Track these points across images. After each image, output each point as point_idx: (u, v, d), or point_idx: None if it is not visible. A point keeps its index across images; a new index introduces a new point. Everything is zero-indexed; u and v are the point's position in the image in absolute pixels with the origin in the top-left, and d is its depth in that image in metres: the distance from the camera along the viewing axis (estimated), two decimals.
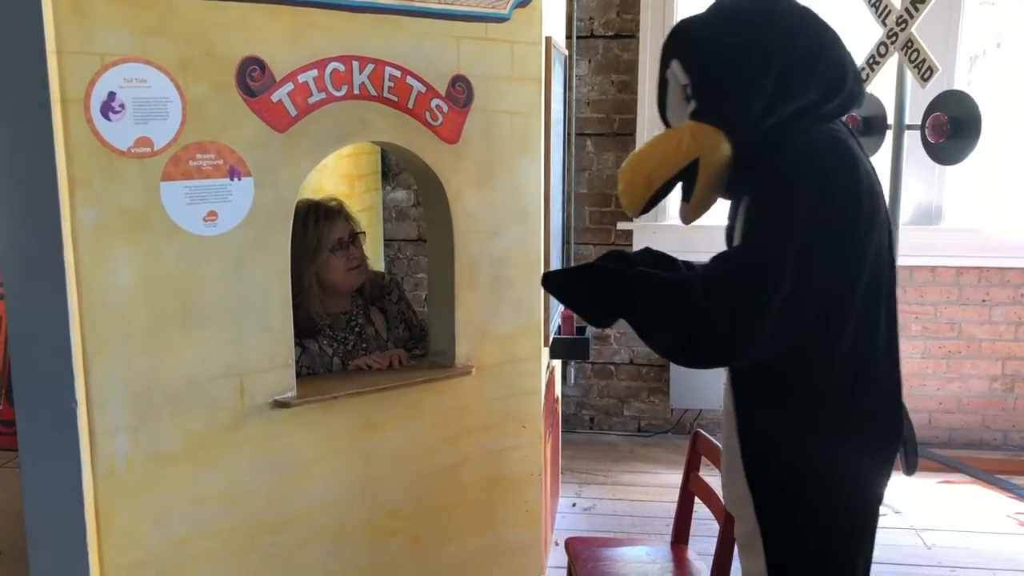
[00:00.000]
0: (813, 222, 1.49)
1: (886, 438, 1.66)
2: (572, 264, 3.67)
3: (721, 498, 1.86)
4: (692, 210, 1.67)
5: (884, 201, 1.62)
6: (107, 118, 1.61)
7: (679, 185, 1.65)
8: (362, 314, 2.32)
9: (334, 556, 2.01)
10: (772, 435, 1.62)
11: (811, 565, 1.64)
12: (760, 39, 1.56)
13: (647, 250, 1.74)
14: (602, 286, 1.59)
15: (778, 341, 1.52)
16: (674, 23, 3.71)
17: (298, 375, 1.96)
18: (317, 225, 2.19)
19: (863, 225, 1.54)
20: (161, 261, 1.70)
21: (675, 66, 1.65)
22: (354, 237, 2.28)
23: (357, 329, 2.28)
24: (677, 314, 1.53)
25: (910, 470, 1.77)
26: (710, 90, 1.60)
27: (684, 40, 1.66)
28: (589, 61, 3.86)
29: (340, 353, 2.22)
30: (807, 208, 1.49)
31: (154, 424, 1.73)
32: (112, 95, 1.61)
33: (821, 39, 1.61)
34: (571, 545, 2.18)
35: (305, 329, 2.15)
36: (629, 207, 1.68)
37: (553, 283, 1.70)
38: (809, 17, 1.62)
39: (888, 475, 1.69)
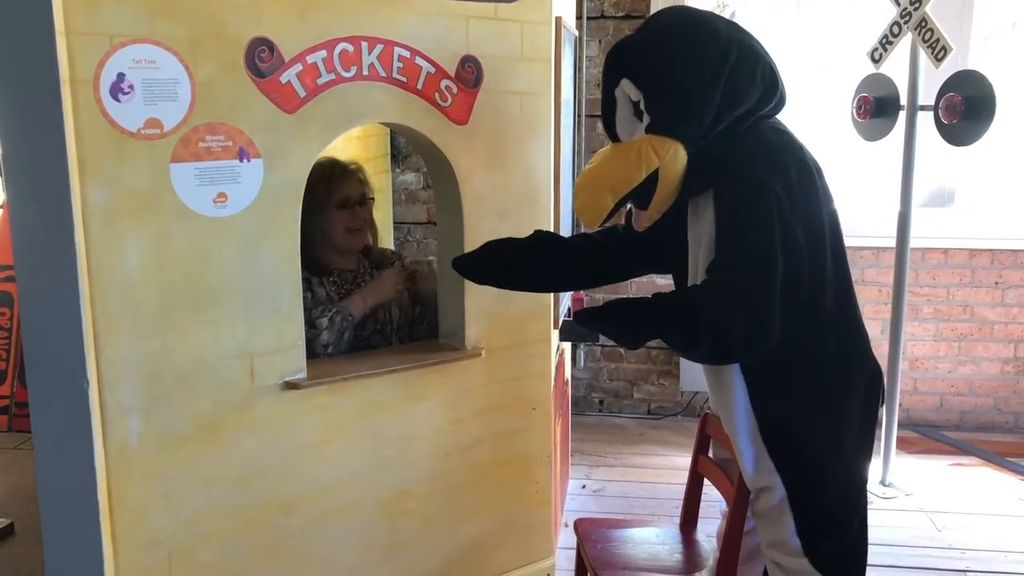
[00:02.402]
0: (786, 209, 1.61)
1: (873, 395, 1.81)
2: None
3: (729, 481, 1.87)
4: (649, 216, 1.76)
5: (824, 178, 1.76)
6: (116, 99, 1.61)
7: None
8: (369, 275, 2.33)
9: (344, 536, 2.03)
10: (783, 409, 1.73)
11: (830, 520, 1.78)
12: (706, 52, 1.66)
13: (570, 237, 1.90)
14: (624, 322, 1.70)
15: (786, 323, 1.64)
16: (685, 3, 3.68)
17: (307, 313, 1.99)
18: (331, 180, 2.24)
19: (820, 198, 1.70)
20: (171, 242, 1.71)
21: (625, 83, 1.74)
22: (363, 200, 2.30)
23: (363, 285, 2.30)
24: (702, 331, 1.62)
25: (882, 403, 1.90)
26: (665, 104, 1.69)
27: (633, 58, 1.75)
28: (599, 42, 3.83)
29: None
30: (778, 198, 1.60)
31: (165, 404, 1.74)
32: (121, 76, 1.61)
33: (754, 47, 1.72)
34: (580, 526, 2.18)
35: (312, 266, 2.17)
36: (591, 221, 1.77)
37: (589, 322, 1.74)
38: (738, 28, 1.75)
39: (873, 431, 1.84)
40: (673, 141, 1.67)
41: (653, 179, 1.68)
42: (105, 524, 1.70)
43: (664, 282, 3.67)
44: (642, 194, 1.71)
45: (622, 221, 1.95)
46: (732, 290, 1.61)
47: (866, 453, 1.82)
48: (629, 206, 1.79)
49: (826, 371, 1.74)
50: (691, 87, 1.65)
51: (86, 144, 1.59)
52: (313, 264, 2.20)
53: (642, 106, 1.71)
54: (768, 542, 1.82)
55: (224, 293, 1.78)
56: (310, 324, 2.05)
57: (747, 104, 1.69)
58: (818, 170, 1.73)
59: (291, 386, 1.88)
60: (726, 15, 3.81)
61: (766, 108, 1.73)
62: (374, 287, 2.26)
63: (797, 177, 1.65)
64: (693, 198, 1.74)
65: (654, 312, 1.67)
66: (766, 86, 1.71)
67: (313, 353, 2.04)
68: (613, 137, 1.84)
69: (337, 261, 2.30)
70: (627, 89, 1.74)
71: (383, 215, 3.53)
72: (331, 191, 2.23)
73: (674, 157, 1.67)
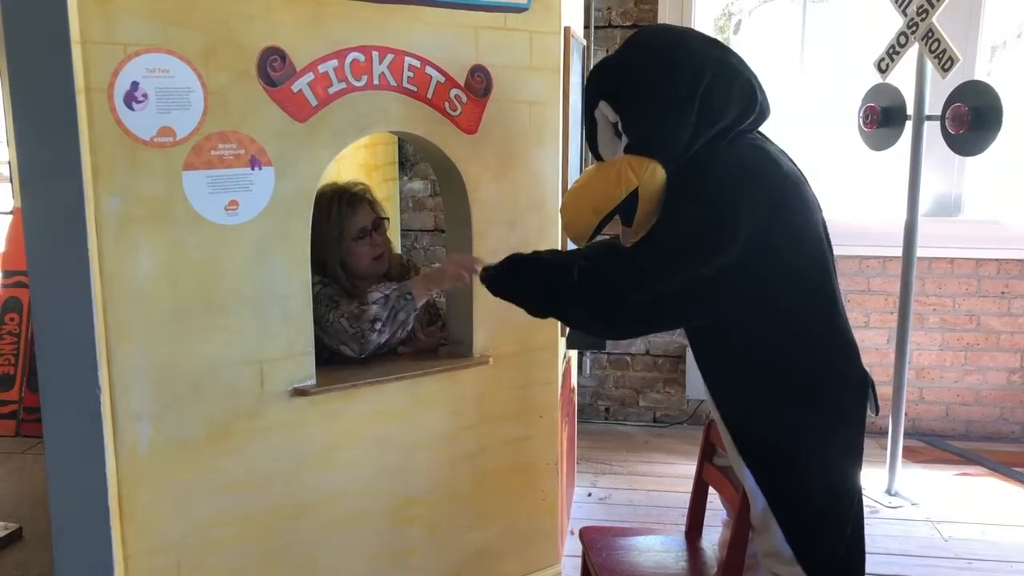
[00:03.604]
0: (755, 213, 1.64)
1: (858, 402, 1.81)
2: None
3: (734, 489, 1.88)
4: (634, 232, 1.79)
5: (810, 188, 1.77)
6: (130, 108, 1.63)
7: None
8: None
9: (352, 543, 2.03)
10: (754, 413, 1.76)
11: (817, 526, 1.78)
12: (680, 72, 1.70)
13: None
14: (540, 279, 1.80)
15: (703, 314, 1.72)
16: (692, 13, 3.68)
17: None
18: (340, 212, 2.20)
19: (802, 209, 1.71)
20: (183, 250, 1.72)
21: (603, 105, 1.79)
22: (378, 224, 2.28)
23: None
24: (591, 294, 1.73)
25: (875, 410, 1.91)
26: (640, 126, 1.73)
27: (608, 80, 1.79)
28: (607, 51, 3.84)
29: None
30: (749, 205, 1.64)
31: (176, 411, 1.76)
32: (135, 85, 1.63)
33: (731, 63, 1.75)
34: (586, 534, 2.19)
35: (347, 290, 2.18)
36: (576, 238, 1.83)
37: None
38: (717, 44, 1.78)
39: (860, 437, 1.83)
40: (651, 160, 1.71)
41: (634, 197, 1.72)
42: (115, 529, 1.71)
43: None
44: (625, 211, 1.76)
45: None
46: (637, 269, 1.68)
47: (852, 459, 1.82)
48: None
49: (805, 378, 1.75)
50: (664, 108, 1.69)
51: (100, 152, 1.61)
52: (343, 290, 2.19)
53: (620, 127, 1.76)
54: (763, 552, 1.83)
55: (235, 300, 1.79)
56: (358, 305, 2.04)
57: (724, 121, 1.72)
58: (799, 181, 1.74)
59: (300, 393, 1.89)
60: (731, 24, 3.82)
61: (745, 123, 1.75)
62: (435, 276, 2.14)
63: (772, 194, 1.67)
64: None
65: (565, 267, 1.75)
66: (745, 102, 1.73)
67: (355, 339, 2.04)
68: (597, 156, 1.87)
69: (360, 287, 2.25)
70: (605, 111, 1.79)
71: (391, 222, 3.54)
72: (345, 225, 2.20)
73: (652, 175, 1.71)
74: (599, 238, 1.85)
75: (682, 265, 1.65)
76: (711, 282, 1.64)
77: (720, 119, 1.71)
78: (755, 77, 1.78)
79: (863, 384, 1.82)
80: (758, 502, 1.78)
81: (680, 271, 1.65)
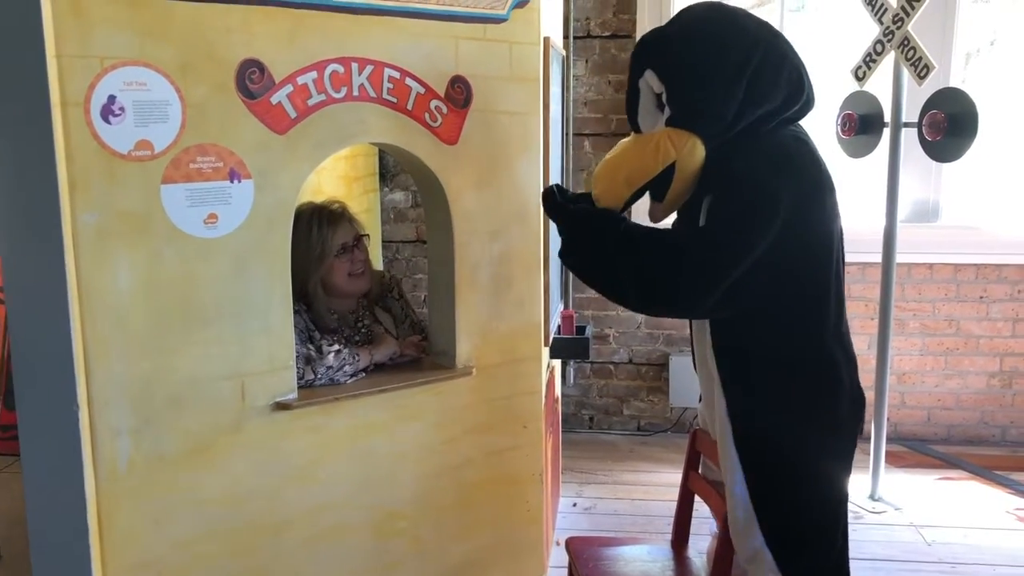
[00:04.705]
0: (784, 218, 1.62)
1: (854, 417, 1.81)
2: None
3: (720, 498, 1.88)
4: (664, 209, 1.79)
5: (836, 197, 1.76)
6: (107, 121, 1.61)
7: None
8: (368, 314, 2.32)
9: (336, 558, 2.01)
10: (757, 412, 1.74)
11: (804, 534, 1.77)
12: (731, 49, 1.67)
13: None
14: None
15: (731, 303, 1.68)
16: None
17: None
18: (321, 230, 2.18)
19: (829, 215, 1.71)
20: (162, 264, 1.71)
21: (649, 75, 1.75)
22: (358, 240, 2.27)
23: (364, 330, 2.28)
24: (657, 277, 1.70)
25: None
26: (686, 98, 1.70)
27: (658, 50, 1.76)
28: (586, 61, 3.86)
29: None
30: (777, 209, 1.62)
31: (156, 426, 1.74)
32: (112, 98, 1.61)
33: (782, 48, 1.73)
34: (572, 545, 2.18)
35: (320, 326, 2.17)
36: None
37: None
38: (769, 28, 1.76)
39: (852, 451, 1.83)
40: (692, 135, 1.67)
41: (669, 172, 1.69)
42: (95, 547, 1.69)
43: None
44: (658, 186, 1.72)
45: None
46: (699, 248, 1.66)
47: (843, 470, 1.81)
48: None
49: (816, 383, 1.75)
50: (713, 83, 1.65)
51: (77, 166, 1.59)
52: (318, 321, 2.18)
53: (664, 99, 1.72)
54: (744, 558, 1.81)
55: (215, 314, 1.78)
56: (317, 349, 2.04)
57: (771, 104, 1.69)
58: (831, 188, 1.73)
59: (282, 407, 1.88)
60: None
61: (791, 110, 1.73)
62: (381, 349, 2.19)
63: (808, 190, 1.66)
64: (707, 195, 1.73)
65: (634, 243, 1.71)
66: (791, 88, 1.71)
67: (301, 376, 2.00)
68: (635, 128, 1.84)
69: (337, 307, 2.26)
70: (650, 80, 1.75)
71: (371, 234, 3.53)
72: (325, 243, 2.18)
73: (691, 151, 1.67)
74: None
75: (723, 252, 1.64)
76: (746, 270, 1.64)
77: (766, 101, 1.68)
78: (803, 66, 1.76)
79: (859, 400, 1.82)
80: (740, 504, 1.76)
81: (721, 257, 1.64)
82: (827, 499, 1.79)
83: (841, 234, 1.77)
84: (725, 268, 1.64)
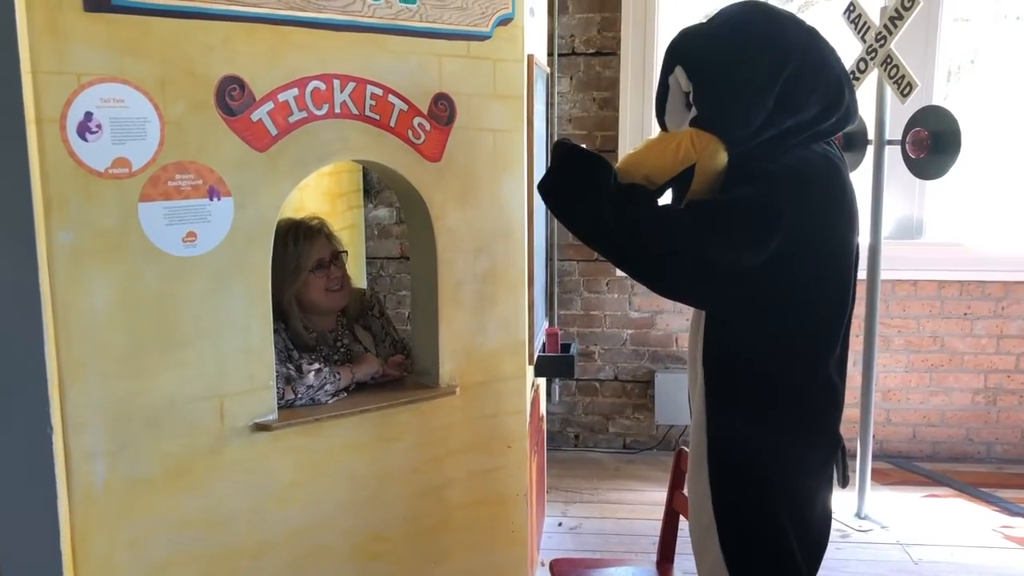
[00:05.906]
0: (793, 229, 1.57)
1: (830, 449, 1.75)
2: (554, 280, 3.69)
3: None
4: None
5: (857, 232, 1.72)
6: (84, 139, 1.59)
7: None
8: (347, 333, 2.29)
9: None
10: (737, 433, 1.69)
11: (763, 553, 1.70)
12: (765, 53, 1.61)
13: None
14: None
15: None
16: (655, 41, 3.71)
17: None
18: (297, 245, 2.16)
19: (844, 239, 1.67)
20: (139, 283, 1.68)
21: (679, 72, 1.69)
22: (336, 257, 2.25)
23: (343, 348, 2.25)
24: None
25: (843, 482, 1.84)
26: (713, 99, 1.64)
27: (690, 48, 1.70)
28: (571, 78, 3.86)
29: None
30: (782, 219, 1.56)
31: (132, 448, 1.70)
32: (89, 115, 1.59)
33: (823, 57, 1.66)
34: (557, 567, 2.16)
35: (299, 345, 2.14)
36: None
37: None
38: (812, 34, 1.67)
39: (830, 479, 1.77)
40: (715, 138, 1.62)
41: (689, 173, 1.64)
42: (68, 573, 1.65)
43: None
44: (678, 186, 1.69)
45: None
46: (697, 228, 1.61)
47: (813, 497, 1.74)
48: None
49: (809, 406, 1.70)
50: (742, 87, 1.60)
51: (52, 184, 1.57)
52: (296, 339, 2.16)
53: (691, 98, 1.67)
54: (703, 573, 1.76)
55: (193, 334, 1.75)
56: (296, 368, 2.02)
57: (802, 116, 1.62)
58: (851, 213, 1.68)
59: (262, 428, 1.85)
60: None
61: (825, 124, 1.65)
62: (362, 367, 2.16)
63: (821, 211, 1.61)
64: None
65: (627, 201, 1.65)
66: (827, 101, 1.64)
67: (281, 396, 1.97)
68: (662, 125, 1.80)
69: (316, 325, 2.23)
70: (680, 78, 1.69)
71: (355, 251, 3.51)
72: (301, 258, 2.16)
73: (713, 154, 1.62)
74: None
75: (716, 235, 1.58)
76: (739, 275, 1.59)
77: (799, 111, 1.61)
78: (846, 75, 1.69)
79: (835, 442, 1.76)
80: (704, 515, 1.71)
81: (713, 238, 1.58)
82: (796, 522, 1.71)
83: (857, 259, 1.72)
84: (712, 261, 1.59)
